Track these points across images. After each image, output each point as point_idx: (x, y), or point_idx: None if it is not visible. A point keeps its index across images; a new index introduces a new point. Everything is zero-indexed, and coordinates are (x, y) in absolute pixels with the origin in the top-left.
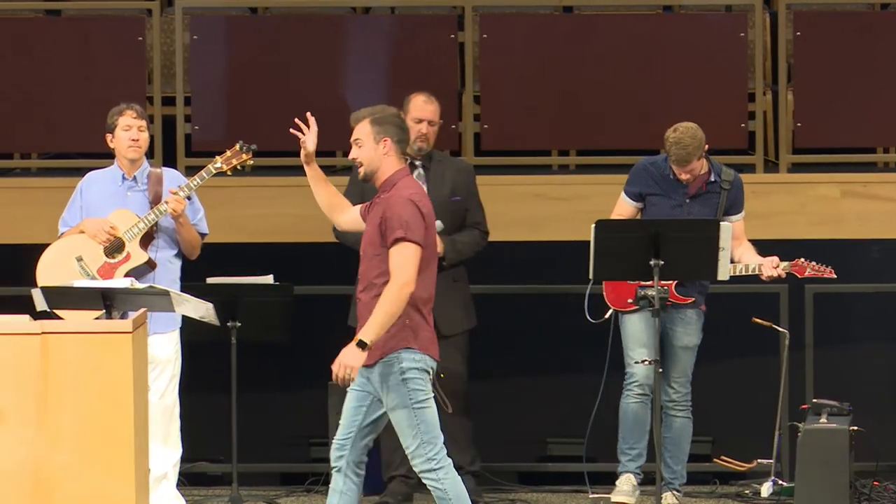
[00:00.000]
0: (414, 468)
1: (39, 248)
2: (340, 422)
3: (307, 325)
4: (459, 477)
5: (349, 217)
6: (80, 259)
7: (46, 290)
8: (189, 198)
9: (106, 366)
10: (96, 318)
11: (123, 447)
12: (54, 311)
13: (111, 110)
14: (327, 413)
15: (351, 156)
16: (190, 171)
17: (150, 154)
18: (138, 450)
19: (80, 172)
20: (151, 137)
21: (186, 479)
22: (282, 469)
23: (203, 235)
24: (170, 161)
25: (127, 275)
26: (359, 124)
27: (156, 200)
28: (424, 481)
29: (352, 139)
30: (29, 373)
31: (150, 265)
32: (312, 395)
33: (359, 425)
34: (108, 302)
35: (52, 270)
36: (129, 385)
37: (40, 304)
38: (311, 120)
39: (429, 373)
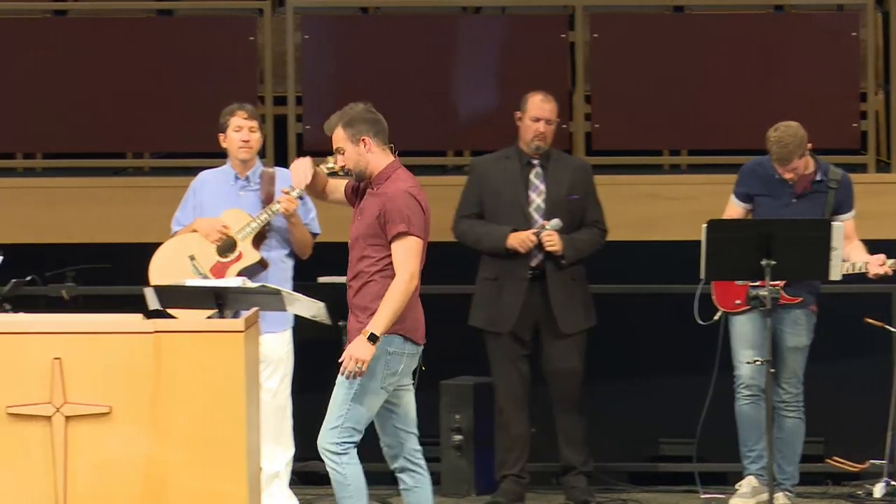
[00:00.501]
0: (319, 442)
1: (152, 248)
2: (377, 425)
3: None
4: (360, 467)
5: (339, 192)
6: (192, 258)
7: (159, 289)
8: (301, 197)
9: (218, 365)
10: (208, 317)
11: (235, 446)
12: (167, 309)
13: (223, 110)
14: (439, 412)
15: (338, 164)
16: None
17: (262, 154)
18: (250, 449)
19: (193, 172)
20: (263, 137)
21: (298, 478)
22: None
23: (315, 235)
24: (281, 161)
25: (239, 274)
26: (334, 133)
27: (268, 200)
28: (325, 460)
29: (333, 149)
30: (142, 371)
31: (262, 264)
32: (424, 395)
33: (394, 425)
34: (220, 301)
35: (164, 269)
36: (241, 384)
37: (153, 302)
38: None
39: (401, 367)
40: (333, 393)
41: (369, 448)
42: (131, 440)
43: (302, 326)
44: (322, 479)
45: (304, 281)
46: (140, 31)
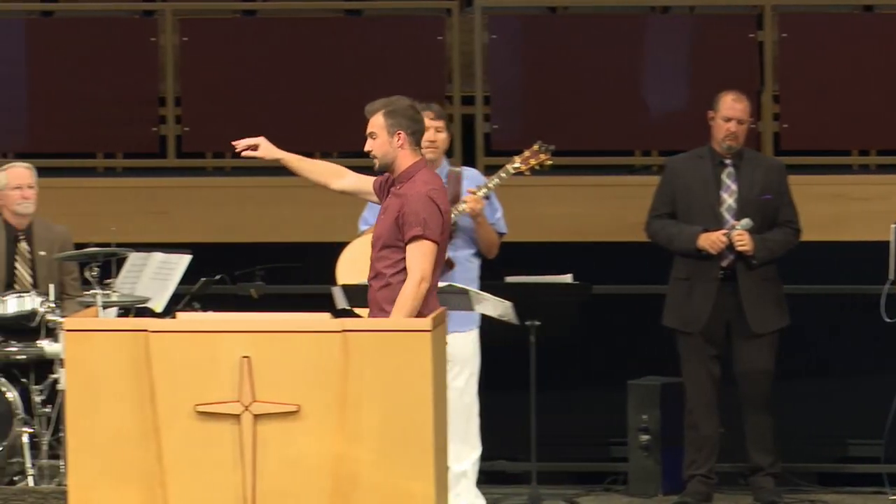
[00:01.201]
0: None
1: (340, 247)
2: None
3: (605, 324)
4: None
5: (346, 182)
6: None
7: (347, 288)
8: (487, 197)
9: (405, 364)
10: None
11: (423, 445)
12: (354, 308)
13: None
14: (626, 412)
15: (366, 148)
16: (489, 171)
17: (449, 153)
18: (438, 448)
19: (379, 171)
20: (451, 137)
21: (485, 477)
22: (580, 468)
23: (501, 235)
24: (469, 160)
25: None
26: (373, 117)
27: (454, 200)
28: None
29: (367, 132)
30: (329, 370)
31: (449, 264)
32: (611, 394)
33: None
34: None
35: (351, 268)
36: (429, 383)
37: (341, 301)
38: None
39: None
40: None
41: (557, 447)
42: (319, 439)
43: (488, 326)
44: (509, 478)
45: (491, 280)
46: (328, 31)
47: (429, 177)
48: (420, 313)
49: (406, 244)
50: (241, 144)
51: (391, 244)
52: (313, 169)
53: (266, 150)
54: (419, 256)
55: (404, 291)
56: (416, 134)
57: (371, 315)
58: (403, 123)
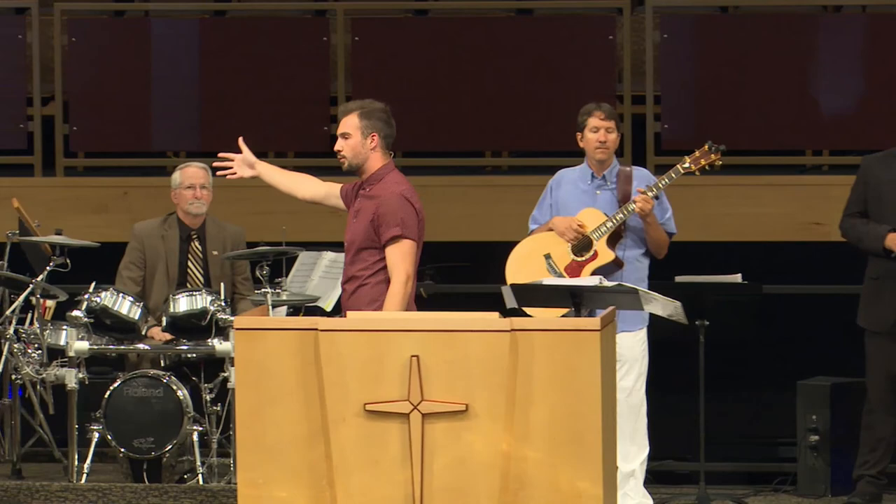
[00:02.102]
0: None
1: (509, 246)
2: None
3: (775, 324)
4: None
5: (313, 190)
6: (548, 256)
7: (516, 288)
8: (657, 197)
9: (574, 363)
10: (561, 316)
11: (591, 444)
12: (523, 308)
13: (581, 109)
14: (795, 413)
15: (336, 147)
16: (659, 170)
17: (619, 153)
18: (606, 447)
19: (551, 171)
20: (621, 136)
21: (653, 477)
22: (749, 468)
23: (671, 235)
24: (639, 159)
25: (594, 273)
26: (346, 117)
27: (624, 199)
28: None
29: (339, 132)
30: (499, 369)
31: (617, 263)
32: (780, 395)
33: None
34: (576, 300)
35: (520, 267)
36: (597, 383)
37: (510, 301)
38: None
39: None
40: None
41: (725, 447)
42: (487, 438)
43: (656, 325)
44: (677, 478)
45: (661, 280)
46: (499, 31)
47: (399, 178)
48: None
49: (384, 245)
50: (221, 164)
51: (367, 246)
52: (283, 180)
53: (241, 168)
54: (401, 256)
55: (392, 292)
56: (389, 138)
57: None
58: (378, 126)
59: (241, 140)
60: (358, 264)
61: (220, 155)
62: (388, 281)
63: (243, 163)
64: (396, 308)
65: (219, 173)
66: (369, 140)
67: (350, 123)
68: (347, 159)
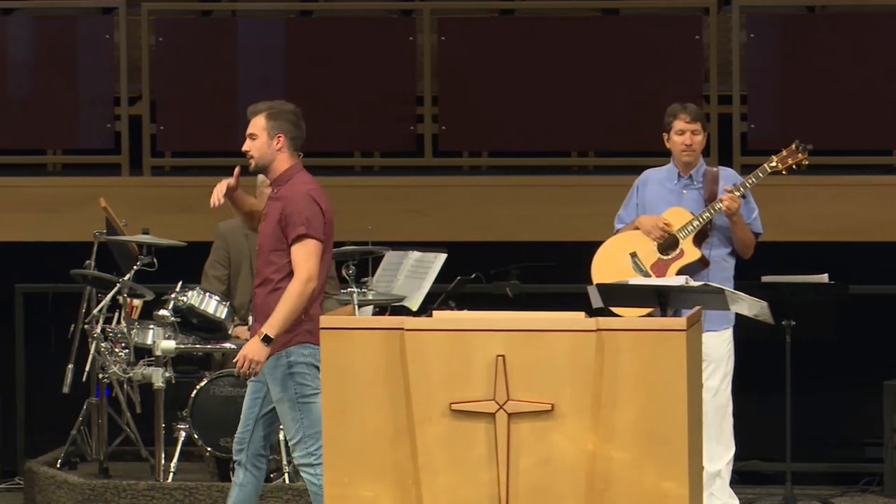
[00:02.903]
0: (294, 459)
1: (595, 246)
2: (241, 416)
3: (861, 324)
4: None
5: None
6: (634, 255)
7: (602, 287)
8: (744, 196)
9: (660, 363)
10: (645, 315)
11: (677, 444)
12: (609, 307)
13: (668, 110)
14: (882, 412)
15: (244, 148)
16: (745, 170)
17: (706, 152)
18: (692, 447)
19: (637, 170)
20: (707, 136)
21: (739, 477)
22: (836, 469)
23: (757, 235)
24: (725, 159)
25: (679, 272)
26: (254, 118)
27: (710, 198)
28: (301, 474)
29: (247, 132)
30: (584, 369)
31: (703, 263)
32: (867, 395)
33: (255, 417)
34: (662, 299)
35: (606, 266)
36: (683, 382)
37: (596, 300)
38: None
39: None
40: (278, 413)
41: (812, 447)
42: (573, 437)
43: (742, 325)
44: (763, 478)
45: (747, 280)
46: (585, 30)
47: (307, 178)
48: (307, 313)
49: (290, 244)
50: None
51: (276, 248)
52: (248, 206)
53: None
54: (304, 255)
55: (290, 288)
56: (296, 140)
57: (256, 322)
58: (285, 127)
59: (237, 169)
60: (270, 266)
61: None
62: (307, 298)
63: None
64: (292, 305)
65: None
66: (275, 141)
67: (257, 124)
68: (255, 159)
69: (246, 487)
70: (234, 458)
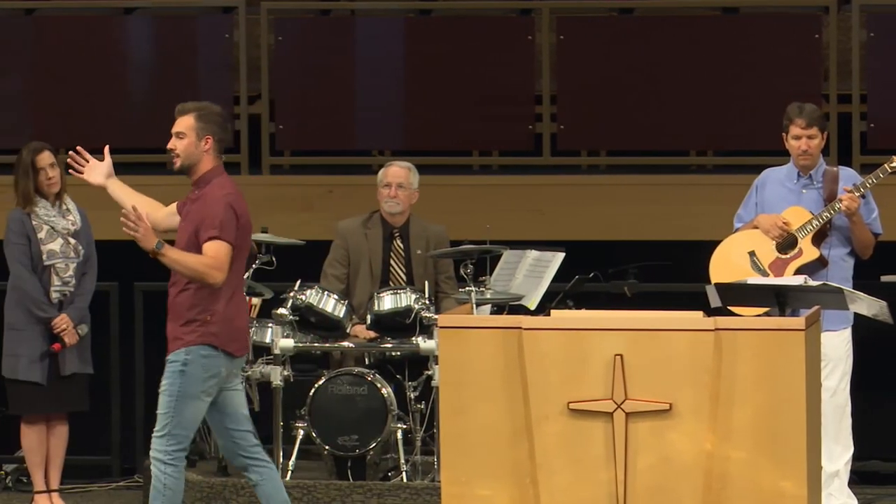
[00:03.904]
0: (151, 448)
1: (713, 245)
2: (214, 430)
3: None
4: (183, 482)
5: (163, 216)
6: (752, 254)
7: (720, 287)
8: (864, 196)
9: (778, 362)
10: (761, 314)
11: (796, 444)
12: (728, 307)
13: (787, 109)
14: None
15: (169, 146)
16: (865, 169)
17: (825, 151)
18: (810, 447)
19: (756, 170)
20: (827, 136)
21: (858, 477)
22: None
23: (877, 235)
24: (845, 158)
25: (797, 271)
26: (183, 117)
27: (830, 198)
28: (152, 466)
29: (173, 130)
30: (702, 368)
31: (822, 262)
32: None
33: (224, 424)
34: (781, 299)
35: (724, 265)
36: (802, 382)
37: (714, 300)
38: (85, 155)
39: (222, 371)
40: (160, 401)
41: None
42: (691, 437)
43: (860, 325)
44: (883, 478)
45: (866, 280)
46: (704, 29)
47: (226, 182)
48: (213, 314)
49: (203, 244)
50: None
51: (192, 250)
52: (136, 202)
53: (92, 173)
54: (213, 254)
55: (199, 258)
56: (223, 142)
57: (170, 322)
58: (213, 130)
59: (106, 149)
60: None
61: (78, 149)
62: (209, 286)
63: (98, 170)
64: (190, 266)
65: (70, 170)
66: (203, 142)
67: (186, 124)
68: (180, 159)
69: (265, 481)
70: (235, 466)
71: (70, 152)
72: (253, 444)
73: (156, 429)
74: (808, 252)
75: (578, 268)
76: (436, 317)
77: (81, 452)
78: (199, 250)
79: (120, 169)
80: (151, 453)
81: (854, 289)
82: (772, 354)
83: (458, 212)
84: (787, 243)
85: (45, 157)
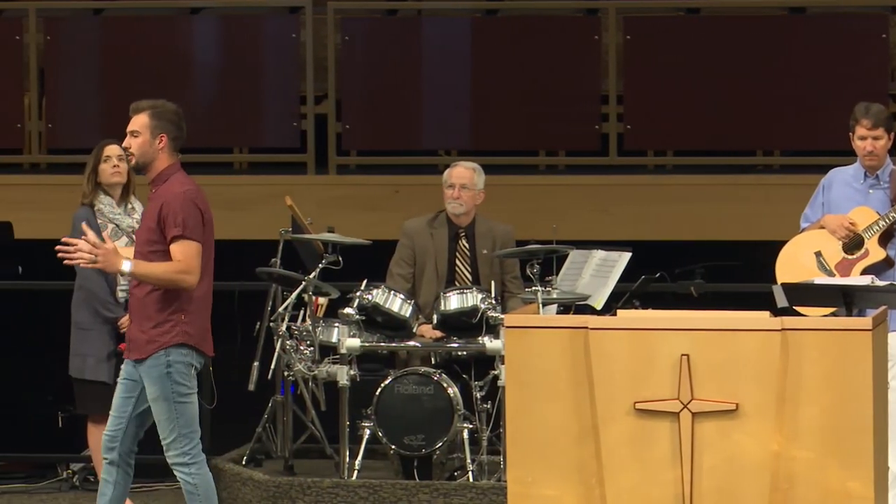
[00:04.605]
0: (167, 459)
1: (780, 245)
2: (111, 413)
3: None
4: (210, 474)
5: None
6: (818, 254)
7: (787, 287)
8: None
9: (845, 363)
10: (828, 315)
11: (862, 444)
12: (794, 307)
13: (854, 109)
14: None
15: (125, 144)
16: None
17: (892, 151)
18: (877, 447)
19: (823, 170)
20: (894, 137)
21: None
22: None
23: None
24: None
25: (864, 272)
26: (137, 115)
27: None
28: (175, 473)
29: (128, 129)
30: (769, 368)
31: (888, 262)
32: None
33: (129, 415)
34: (847, 299)
35: (790, 265)
36: (868, 382)
37: (781, 300)
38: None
39: (196, 368)
40: (154, 412)
41: None
42: (757, 437)
43: None
44: None
45: None
46: (771, 29)
47: (184, 178)
48: (186, 313)
49: (168, 245)
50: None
51: (156, 249)
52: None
53: (108, 258)
54: (183, 255)
55: (168, 265)
56: (177, 140)
57: (133, 323)
58: (168, 128)
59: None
60: None
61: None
62: (184, 290)
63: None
64: (162, 274)
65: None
66: (158, 140)
67: (140, 122)
68: (135, 157)
69: (120, 485)
70: (105, 455)
71: (58, 246)
72: (135, 445)
73: (163, 438)
74: (875, 252)
75: (645, 268)
76: (502, 316)
77: (148, 451)
78: (159, 248)
79: (185, 169)
80: (170, 462)
81: None
82: (838, 355)
83: (524, 211)
84: (853, 244)
85: (114, 149)
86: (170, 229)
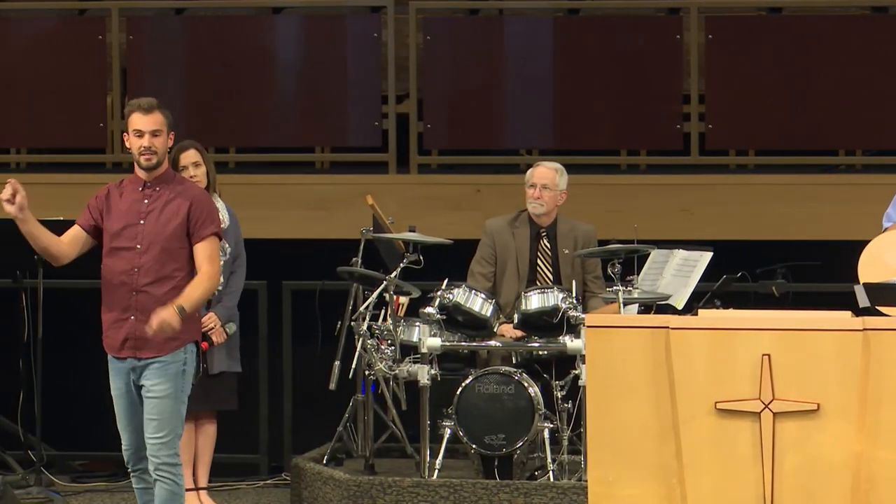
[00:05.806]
0: (156, 458)
1: (863, 245)
2: (125, 429)
3: None
4: None
5: (68, 245)
6: None
7: (868, 287)
8: None
9: None
10: None
11: None
12: (876, 307)
13: None
14: None
15: (146, 144)
16: None
17: None
18: None
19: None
20: None
21: None
22: None
23: None
24: None
25: None
26: (153, 114)
27: None
28: (161, 475)
29: (149, 129)
30: (850, 369)
31: None
32: None
33: (141, 424)
34: None
35: (872, 265)
36: None
37: (862, 300)
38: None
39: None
40: (157, 409)
41: None
42: (839, 437)
43: None
44: None
45: None
46: (854, 28)
47: (184, 178)
48: (199, 312)
49: (198, 241)
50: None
51: (180, 245)
52: (41, 236)
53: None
54: (213, 252)
55: (206, 275)
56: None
57: (141, 318)
58: (172, 125)
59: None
60: (169, 265)
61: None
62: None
63: (14, 204)
64: (206, 288)
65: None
66: (169, 138)
67: (159, 121)
68: (157, 156)
69: (152, 485)
70: (137, 467)
71: (10, 181)
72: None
73: (158, 435)
74: None
75: (726, 267)
76: (583, 316)
77: (230, 450)
78: (187, 244)
79: (267, 168)
80: (160, 462)
81: None
82: None
83: (606, 211)
84: None
85: (190, 156)
86: (206, 227)
